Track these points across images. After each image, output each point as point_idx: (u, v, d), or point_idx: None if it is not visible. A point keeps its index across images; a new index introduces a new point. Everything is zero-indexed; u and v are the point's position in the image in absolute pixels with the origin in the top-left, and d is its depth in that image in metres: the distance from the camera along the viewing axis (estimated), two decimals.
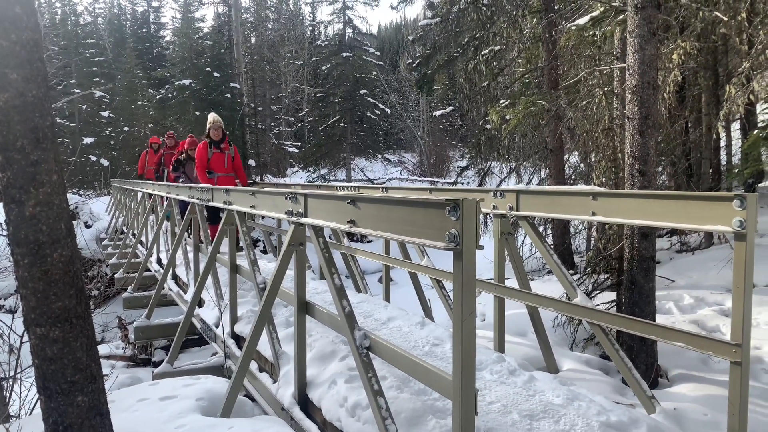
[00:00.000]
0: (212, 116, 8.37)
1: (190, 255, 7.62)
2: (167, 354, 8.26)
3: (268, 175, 25.71)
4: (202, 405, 3.57)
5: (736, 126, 12.28)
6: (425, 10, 16.02)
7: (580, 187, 4.91)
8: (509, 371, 3.55)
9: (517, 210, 4.09)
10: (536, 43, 8.68)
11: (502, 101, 9.07)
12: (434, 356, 3.85)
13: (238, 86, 21.62)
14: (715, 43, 6.44)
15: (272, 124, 29.95)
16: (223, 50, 23.28)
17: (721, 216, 2.78)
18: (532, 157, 9.72)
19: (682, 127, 9.68)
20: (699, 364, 4.81)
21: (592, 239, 9.62)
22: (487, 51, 9.49)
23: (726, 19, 4.59)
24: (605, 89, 5.81)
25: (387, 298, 6.16)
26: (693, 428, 3.40)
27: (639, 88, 4.28)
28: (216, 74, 21.47)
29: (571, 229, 9.37)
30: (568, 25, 5.92)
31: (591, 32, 6.12)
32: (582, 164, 10.49)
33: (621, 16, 5.25)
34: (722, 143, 11.42)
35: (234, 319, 5.31)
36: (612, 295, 5.62)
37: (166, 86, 23.62)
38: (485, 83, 9.72)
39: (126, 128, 29.48)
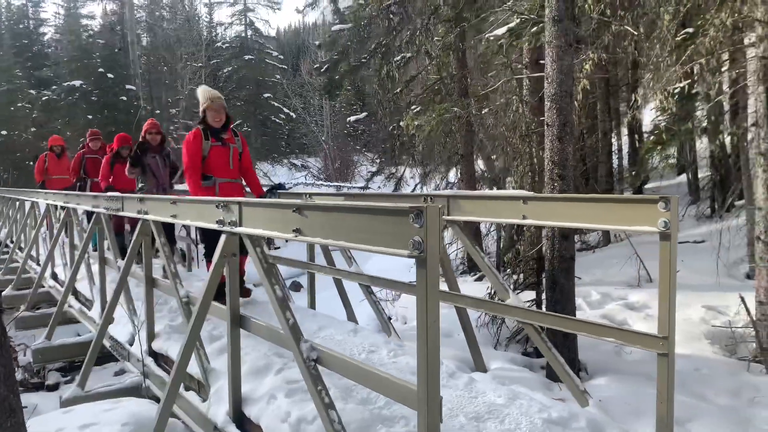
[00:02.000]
0: (206, 90, 5.30)
1: (94, 268, 7.11)
2: (63, 376, 7.66)
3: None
4: (128, 430, 3.31)
5: (624, 131, 13.29)
6: (332, 15, 16.01)
7: (510, 191, 5.07)
8: (449, 374, 3.59)
9: (448, 215, 4.16)
10: (446, 52, 8.89)
11: (414, 108, 9.23)
12: (371, 363, 3.82)
13: (134, 88, 20.50)
14: (617, 55, 6.91)
15: (171, 128, 28.64)
16: (117, 50, 21.97)
17: (647, 217, 2.96)
18: (445, 162, 9.96)
19: (578, 134, 10.31)
20: (613, 357, 5.12)
21: (502, 241, 10.02)
22: (399, 57, 9.62)
23: (636, 33, 4.96)
24: (522, 97, 6.07)
25: (312, 306, 6.05)
26: (620, 418, 3.61)
27: (557, 96, 4.50)
28: (110, 75, 20.25)
29: (483, 230, 9.69)
30: (486, 35, 6.13)
31: (498, 42, 6.38)
32: (486, 170, 10.92)
33: (535, 28, 5.50)
34: (614, 148, 12.28)
35: (151, 336, 4.99)
36: (531, 294, 5.86)
37: (53, 87, 21.89)
38: (398, 89, 9.85)
39: (4, 132, 26.99)
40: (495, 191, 4.59)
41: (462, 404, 3.17)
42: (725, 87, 7.23)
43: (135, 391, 4.73)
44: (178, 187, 8.07)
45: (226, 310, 3.52)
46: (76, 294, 7.53)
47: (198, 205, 3.92)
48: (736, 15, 5.36)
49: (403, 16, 9.64)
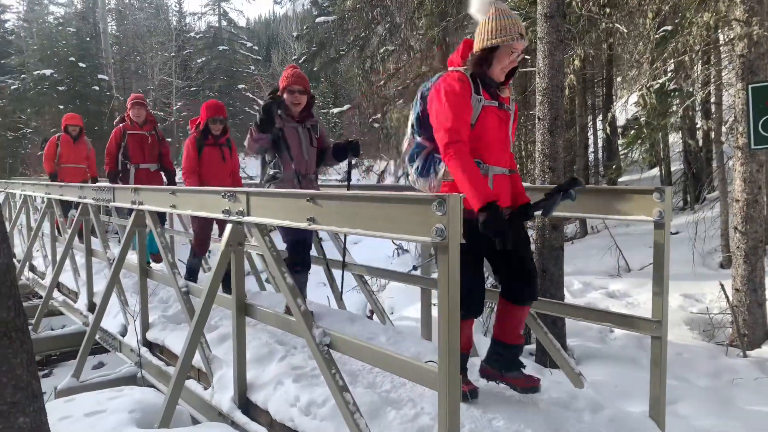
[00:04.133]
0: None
1: (78, 259, 7.04)
2: (44, 368, 7.57)
3: None
4: (136, 417, 3.35)
5: (600, 126, 13.61)
6: (311, 7, 15.97)
7: None
8: None
9: None
10: (430, 46, 8.99)
11: (398, 101, 9.32)
12: None
13: (106, 78, 20.11)
14: (601, 51, 7.10)
15: None
16: (88, 39, 21.48)
17: (644, 208, 3.10)
18: None
19: None
20: (599, 343, 5.32)
21: None
22: (382, 50, 9.68)
23: (626, 30, 5.14)
24: None
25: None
26: (610, 399, 3.77)
27: (549, 90, 4.64)
28: (81, 64, 19.78)
29: None
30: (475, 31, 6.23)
31: None
32: None
33: (523, 23, 5.62)
34: (590, 142, 12.58)
35: (146, 326, 5.00)
36: None
37: (22, 76, 21.32)
38: (381, 82, 9.93)
39: None
40: None
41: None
42: (699, 84, 7.50)
43: (131, 380, 4.75)
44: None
45: (231, 298, 3.56)
46: (59, 286, 7.45)
47: (200, 195, 3.95)
48: (715, 14, 5.57)
49: (387, 9, 9.72)
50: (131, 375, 4.85)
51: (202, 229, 5.53)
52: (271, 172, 4.13)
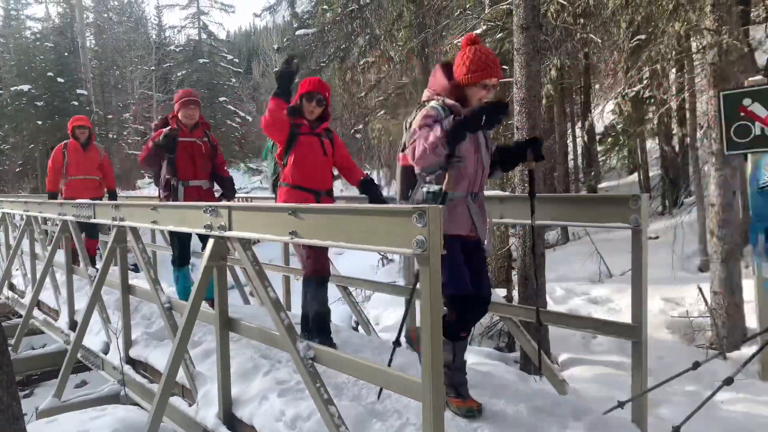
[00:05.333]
0: None
1: (59, 277, 6.96)
2: (24, 389, 7.44)
3: (118, 188, 23.98)
4: None
5: (578, 134, 13.79)
6: (291, 20, 16.02)
7: (488, 192, 5.24)
8: None
9: None
10: (410, 57, 9.08)
11: (379, 112, 9.37)
12: None
13: (85, 93, 19.94)
14: (578, 61, 7.22)
15: (124, 133, 27.99)
16: (66, 53, 21.31)
17: (620, 214, 3.16)
18: None
19: None
20: (582, 349, 5.37)
21: None
22: (362, 62, 9.75)
23: (600, 40, 5.25)
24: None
25: (288, 308, 6.10)
26: (595, 405, 3.81)
27: (526, 101, 4.71)
28: (60, 80, 19.60)
29: None
30: (455, 41, 6.33)
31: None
32: None
33: (499, 35, 5.72)
34: (569, 149, 12.73)
35: (128, 344, 4.95)
36: (502, 292, 6.07)
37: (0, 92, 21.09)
38: (362, 94, 9.99)
39: None
40: None
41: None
42: (674, 91, 7.66)
43: (114, 399, 4.69)
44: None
45: (215, 313, 3.55)
46: (39, 304, 7.34)
47: (181, 211, 3.94)
48: (686, 24, 5.71)
49: (366, 21, 9.79)
50: (114, 393, 4.79)
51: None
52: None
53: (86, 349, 5.59)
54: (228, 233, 3.31)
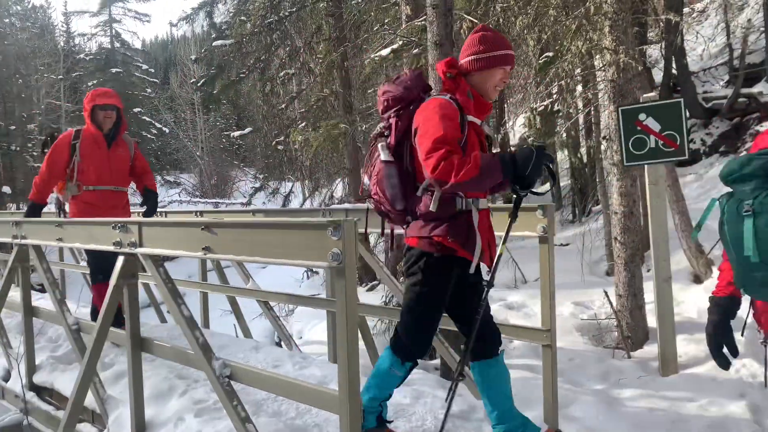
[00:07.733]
0: None
1: None
2: None
3: (23, 204, 22.50)
4: None
5: (495, 148, 14.28)
6: (209, 30, 15.72)
7: None
8: None
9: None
10: (330, 69, 9.12)
11: (300, 123, 9.35)
12: None
13: None
14: None
15: (29, 145, 26.28)
16: None
17: (529, 224, 3.33)
18: (333, 176, 10.17)
19: None
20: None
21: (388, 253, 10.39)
22: (282, 74, 9.70)
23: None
24: None
25: (206, 325, 5.94)
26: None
27: None
28: None
29: (372, 241, 9.97)
30: (372, 56, 6.42)
31: (382, 63, 6.71)
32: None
33: (415, 51, 5.86)
34: None
35: (32, 369, 4.66)
36: None
37: None
38: (283, 105, 9.93)
39: None
40: None
41: None
42: (580, 106, 8.12)
43: (17, 429, 4.39)
44: None
45: (126, 333, 3.41)
46: None
47: (88, 227, 3.77)
48: (588, 42, 6.07)
49: (286, 33, 9.76)
50: (16, 423, 4.48)
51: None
52: None
53: None
54: (138, 250, 3.20)
